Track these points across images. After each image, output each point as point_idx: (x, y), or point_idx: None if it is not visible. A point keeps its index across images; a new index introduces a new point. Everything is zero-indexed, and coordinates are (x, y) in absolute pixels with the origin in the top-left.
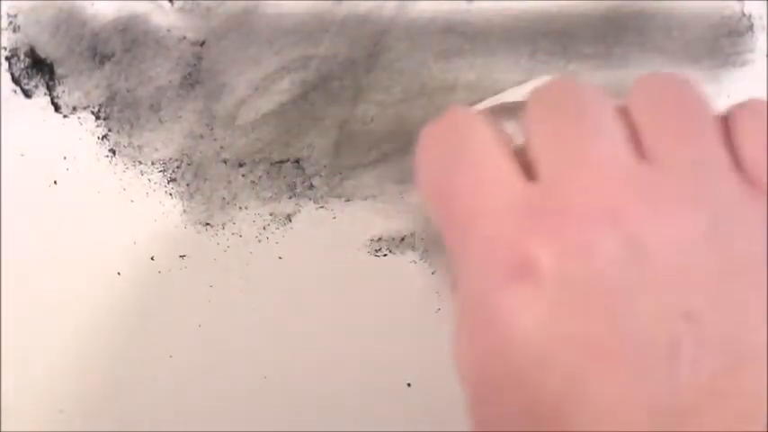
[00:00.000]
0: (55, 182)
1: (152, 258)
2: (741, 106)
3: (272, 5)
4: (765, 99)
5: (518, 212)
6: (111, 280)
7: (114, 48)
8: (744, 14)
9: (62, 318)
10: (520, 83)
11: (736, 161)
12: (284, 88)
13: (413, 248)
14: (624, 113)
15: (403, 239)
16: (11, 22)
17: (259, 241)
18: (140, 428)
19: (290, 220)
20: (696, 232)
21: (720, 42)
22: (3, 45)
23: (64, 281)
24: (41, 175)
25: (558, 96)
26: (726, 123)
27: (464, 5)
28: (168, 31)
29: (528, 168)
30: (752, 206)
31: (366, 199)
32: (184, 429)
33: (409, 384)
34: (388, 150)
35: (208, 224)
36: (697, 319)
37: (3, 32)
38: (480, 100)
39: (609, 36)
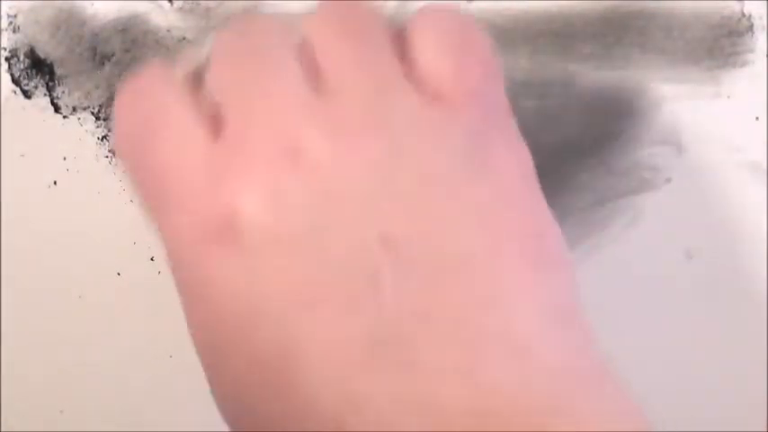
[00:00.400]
0: (55, 182)
1: (152, 259)
2: (415, 20)
3: (271, 5)
4: (442, 6)
5: (204, 169)
6: (111, 280)
7: (114, 48)
8: (744, 14)
9: (62, 318)
10: (520, 83)
11: (417, 77)
12: None
13: None
14: (307, 48)
15: None
16: (11, 23)
17: None
18: (140, 428)
19: None
20: (380, 157)
21: (720, 42)
22: (3, 45)
23: (64, 281)
24: (41, 175)
25: (236, 41)
26: (404, 37)
27: (464, 5)
28: (168, 31)
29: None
30: (433, 120)
31: None
32: (184, 429)
33: None
34: None
35: None
36: (394, 242)
37: (3, 33)
38: None
39: (609, 36)
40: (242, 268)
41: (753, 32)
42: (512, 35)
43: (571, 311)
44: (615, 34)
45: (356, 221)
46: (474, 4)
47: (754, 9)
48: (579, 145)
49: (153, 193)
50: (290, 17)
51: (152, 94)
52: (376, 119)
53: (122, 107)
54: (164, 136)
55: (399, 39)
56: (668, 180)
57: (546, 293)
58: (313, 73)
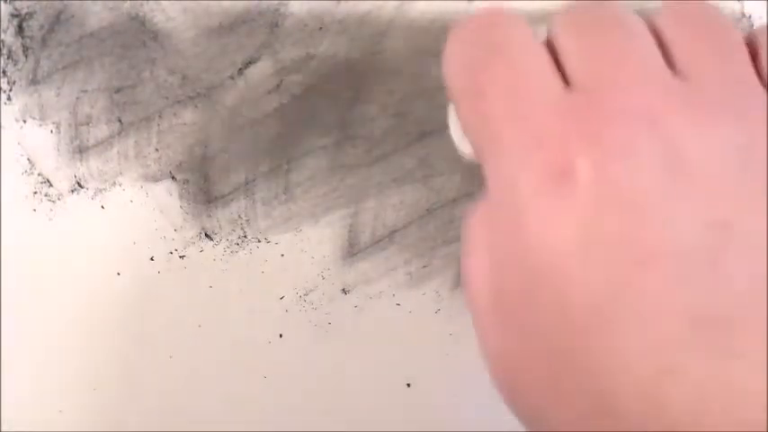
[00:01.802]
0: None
1: (152, 258)
2: (764, 31)
3: (272, 5)
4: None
5: (558, 116)
6: (111, 280)
7: (115, 48)
8: (744, 14)
9: (62, 318)
10: None
11: (762, 82)
12: (284, 88)
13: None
14: (654, 32)
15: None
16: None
17: (259, 241)
18: (141, 428)
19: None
20: (734, 145)
21: None
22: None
23: (64, 281)
24: (42, 175)
25: (589, 8)
26: (750, 46)
27: (464, 5)
28: (168, 30)
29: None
30: None
31: (366, 199)
32: (185, 429)
33: (409, 385)
34: (388, 150)
35: (209, 226)
36: (733, 229)
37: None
38: None
39: None
40: (573, 219)
41: None
42: None
43: None
44: None
45: (704, 199)
46: (474, 4)
47: (754, 9)
48: None
49: (491, 126)
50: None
51: (503, 27)
52: (735, 107)
53: (464, 35)
54: (516, 74)
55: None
56: None
57: None
58: (665, 55)
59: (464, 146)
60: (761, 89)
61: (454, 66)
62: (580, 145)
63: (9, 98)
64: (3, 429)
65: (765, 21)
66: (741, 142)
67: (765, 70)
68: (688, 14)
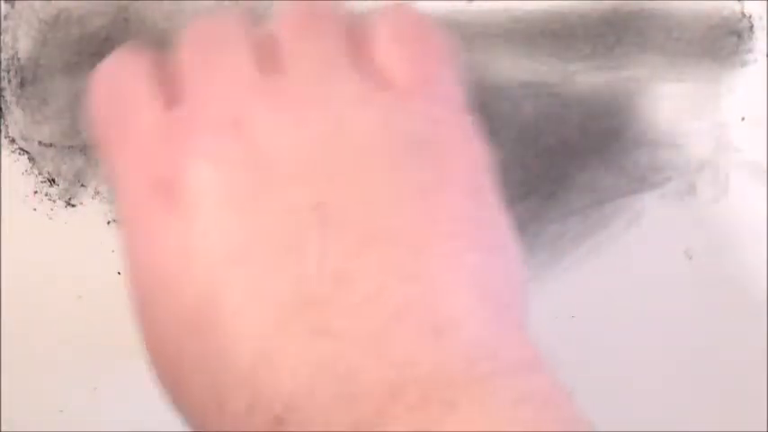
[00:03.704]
0: (53, 180)
1: None
2: (376, 16)
3: (272, 5)
4: (401, 3)
5: (156, 133)
6: (111, 280)
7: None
8: (744, 14)
9: (62, 317)
10: (520, 83)
11: (373, 66)
12: None
13: None
14: (268, 40)
15: None
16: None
17: None
18: (141, 428)
19: None
20: (321, 131)
21: (720, 42)
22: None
23: (64, 281)
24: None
25: (203, 28)
26: (368, 30)
27: (464, 5)
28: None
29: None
30: (381, 103)
31: None
32: (185, 429)
33: None
34: None
35: None
36: (325, 210)
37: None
38: (481, 100)
39: (609, 36)
40: (178, 223)
41: (753, 32)
42: (512, 35)
43: (507, 296)
44: (615, 34)
45: (291, 188)
46: (474, 4)
47: (754, 9)
48: (579, 145)
49: (110, 153)
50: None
51: (122, 74)
52: (320, 96)
53: (97, 79)
54: (123, 105)
55: (364, 35)
56: (668, 180)
57: (479, 274)
58: (270, 60)
59: None
60: (354, 77)
61: (92, 112)
62: (179, 153)
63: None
64: (3, 429)
65: (765, 21)
66: (325, 128)
67: (377, 47)
68: (293, 13)
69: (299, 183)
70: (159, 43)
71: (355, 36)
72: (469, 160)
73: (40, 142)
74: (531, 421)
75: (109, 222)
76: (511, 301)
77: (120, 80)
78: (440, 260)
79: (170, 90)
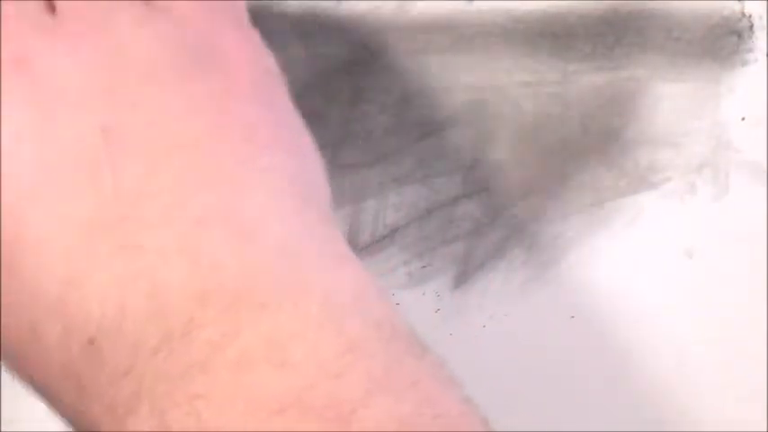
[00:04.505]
0: None
1: None
2: None
3: (272, 5)
4: None
5: None
6: None
7: None
8: (744, 14)
9: None
10: (520, 83)
11: None
12: None
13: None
14: None
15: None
16: None
17: None
18: None
19: None
20: (100, 57)
21: (720, 42)
22: None
23: None
24: None
25: None
26: None
27: (464, 5)
28: None
29: None
30: (159, 25)
31: (366, 199)
32: None
33: None
34: (388, 150)
35: None
36: (114, 131)
37: None
38: (481, 100)
39: (609, 36)
40: None
41: (753, 32)
42: (512, 35)
43: (311, 197)
44: (615, 34)
45: (77, 115)
46: (474, 4)
47: (754, 9)
48: (579, 145)
49: None
50: None
51: None
52: (97, 23)
53: None
54: None
55: None
56: (668, 180)
57: (280, 177)
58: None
59: None
60: (130, 5)
61: None
62: None
63: None
64: (3, 429)
65: (765, 21)
66: (104, 54)
67: None
68: None
69: (84, 108)
70: None
71: None
72: (255, 69)
73: None
74: (339, 318)
75: None
76: (315, 203)
77: None
78: (235, 165)
79: None
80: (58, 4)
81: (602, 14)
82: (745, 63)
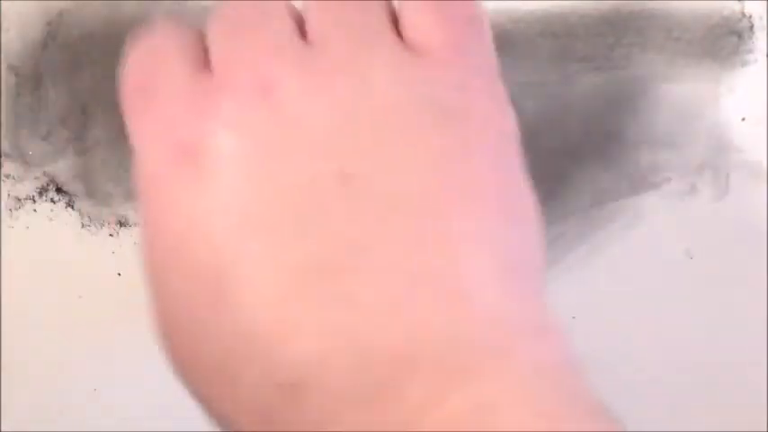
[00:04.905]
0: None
1: None
2: None
3: None
4: None
5: (182, 98)
6: (112, 279)
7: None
8: (744, 14)
9: (62, 318)
10: (520, 83)
11: (405, 35)
12: None
13: None
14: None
15: None
16: None
17: None
18: (141, 428)
19: None
20: (348, 97)
21: (720, 42)
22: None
23: (64, 281)
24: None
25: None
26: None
27: None
28: None
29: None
30: (412, 70)
31: None
32: (184, 429)
33: None
34: None
35: None
36: (349, 177)
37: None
38: None
39: (609, 36)
40: (197, 190)
41: (753, 32)
42: (512, 35)
43: (526, 266)
44: (615, 34)
45: (315, 154)
46: None
47: (754, 9)
48: (579, 145)
49: (134, 117)
50: None
51: (155, 44)
52: (351, 62)
53: (129, 56)
54: (155, 68)
55: (395, 4)
56: (668, 180)
57: (500, 244)
58: (303, 31)
59: None
60: (386, 45)
61: (124, 78)
62: (202, 118)
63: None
64: (3, 429)
65: (765, 21)
66: (352, 94)
67: (409, 15)
68: None
69: (323, 148)
70: None
71: (389, 5)
72: (497, 130)
73: (40, 143)
74: (546, 393)
75: (109, 224)
76: (529, 273)
77: (152, 49)
78: (460, 229)
79: (200, 58)
80: (312, 30)
81: (602, 14)
82: (745, 63)
